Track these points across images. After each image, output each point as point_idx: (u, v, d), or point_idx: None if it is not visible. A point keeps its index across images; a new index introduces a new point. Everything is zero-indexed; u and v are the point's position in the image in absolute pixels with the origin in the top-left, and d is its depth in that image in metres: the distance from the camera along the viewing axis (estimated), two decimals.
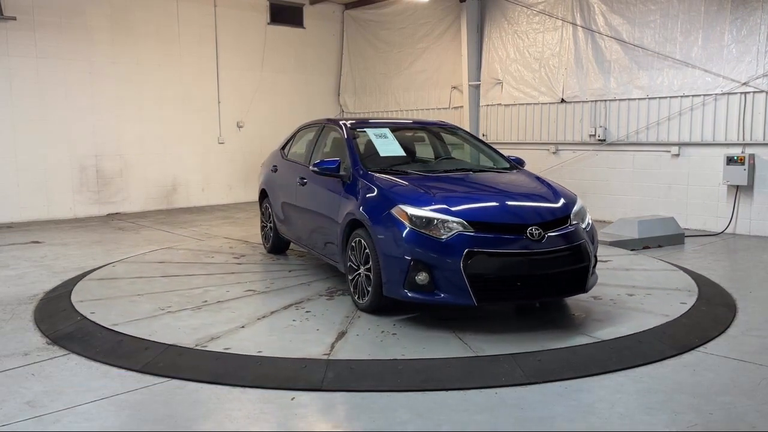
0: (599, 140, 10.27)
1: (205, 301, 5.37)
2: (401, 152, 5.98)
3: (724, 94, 8.88)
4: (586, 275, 4.84)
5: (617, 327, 4.74)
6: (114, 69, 11.30)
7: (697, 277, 6.25)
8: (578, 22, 10.33)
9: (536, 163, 10.44)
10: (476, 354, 4.21)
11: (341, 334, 4.57)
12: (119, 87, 11.38)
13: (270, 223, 7.38)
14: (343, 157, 5.76)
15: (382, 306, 4.96)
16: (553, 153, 10.92)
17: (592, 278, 4.96)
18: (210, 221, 10.44)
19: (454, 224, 4.59)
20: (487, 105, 11.90)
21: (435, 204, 4.76)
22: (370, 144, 5.97)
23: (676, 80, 9.32)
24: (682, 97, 9.30)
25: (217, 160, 12.74)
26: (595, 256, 5.02)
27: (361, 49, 14.18)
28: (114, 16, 11.26)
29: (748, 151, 8.70)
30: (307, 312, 5.10)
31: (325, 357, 4.13)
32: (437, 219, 4.62)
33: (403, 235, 4.65)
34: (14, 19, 10.15)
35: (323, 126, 6.71)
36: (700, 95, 9.12)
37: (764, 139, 8.61)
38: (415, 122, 7.85)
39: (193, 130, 12.42)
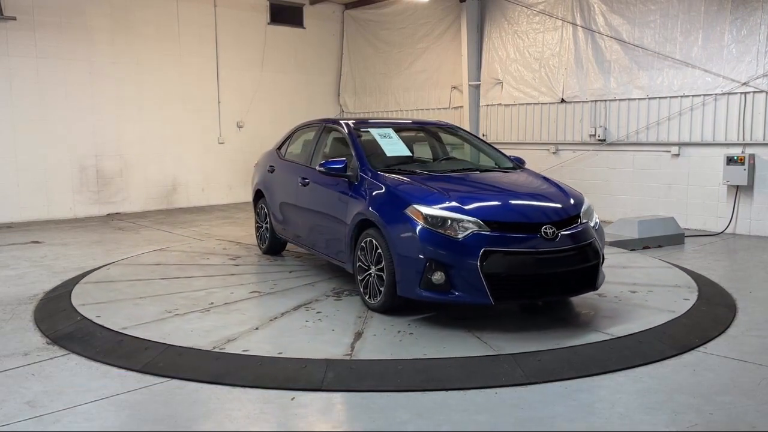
0: (599, 140, 10.27)
1: (212, 303, 5.33)
2: (407, 152, 6.01)
3: (724, 94, 8.88)
4: (597, 273, 4.94)
5: (628, 324, 4.80)
6: (114, 69, 11.30)
7: (697, 277, 6.26)
8: (578, 22, 10.33)
9: (536, 163, 10.42)
10: (497, 352, 4.23)
11: (358, 335, 4.57)
12: (119, 87, 11.38)
13: (266, 223, 7.34)
14: (348, 157, 5.76)
15: (394, 306, 4.97)
16: (553, 153, 10.92)
17: (601, 276, 5.03)
18: (210, 221, 10.44)
19: (470, 224, 4.61)
20: (487, 105, 11.90)
21: (449, 203, 4.78)
22: (374, 144, 5.97)
23: (676, 80, 9.32)
24: (682, 97, 9.30)
25: (217, 160, 12.74)
26: (603, 255, 5.08)
27: (361, 49, 14.18)
28: (114, 16, 11.26)
29: (748, 151, 8.70)
30: (318, 313, 5.09)
31: (348, 357, 4.14)
32: (453, 218, 4.64)
33: (419, 235, 4.65)
34: (14, 19, 10.16)
35: (323, 126, 6.69)
36: (700, 95, 9.12)
37: (764, 139, 8.61)
38: (415, 122, 7.85)
39: (193, 130, 12.42)
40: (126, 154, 11.61)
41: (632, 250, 7.74)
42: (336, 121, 6.55)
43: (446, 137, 6.99)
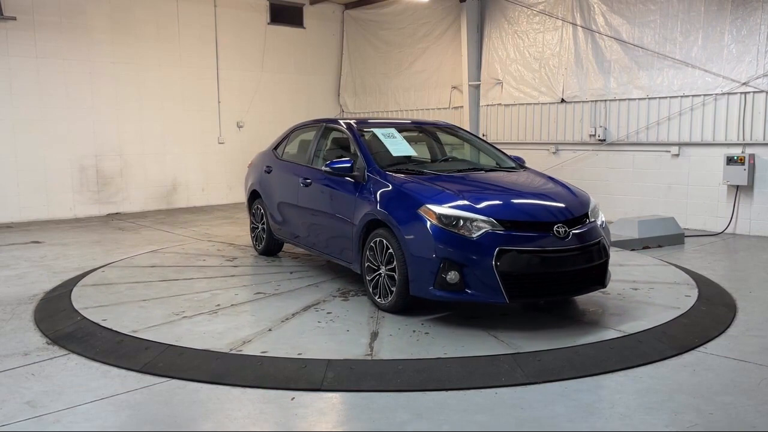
0: (599, 140, 10.27)
1: (218, 305, 5.30)
2: (412, 152, 6.05)
3: (724, 94, 8.88)
4: (606, 271, 5.03)
5: (639, 321, 4.86)
6: (114, 69, 11.31)
7: (697, 277, 6.26)
8: (578, 22, 10.33)
9: (536, 163, 10.41)
10: (517, 351, 4.25)
11: (374, 335, 4.57)
12: (119, 87, 11.38)
13: (262, 224, 7.30)
14: (353, 157, 5.76)
15: (406, 306, 4.99)
16: (553, 153, 10.92)
17: (609, 274, 5.11)
18: (210, 221, 10.44)
19: (484, 223, 4.64)
20: (487, 105, 11.91)
21: (461, 203, 4.81)
22: (378, 144, 5.98)
23: (676, 80, 9.32)
24: (682, 97, 9.30)
25: (217, 160, 12.74)
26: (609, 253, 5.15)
27: (361, 49, 14.18)
28: (114, 16, 11.26)
29: (748, 151, 8.70)
30: (328, 314, 5.08)
31: (369, 358, 4.14)
32: (467, 218, 4.66)
33: (433, 234, 4.66)
34: (14, 19, 10.16)
35: (324, 126, 6.68)
36: (700, 95, 9.12)
37: (764, 139, 8.61)
38: (415, 122, 7.84)
39: (193, 130, 12.42)
40: (126, 154, 11.61)
41: (632, 249, 7.74)
42: (337, 121, 6.55)
43: (448, 137, 6.99)
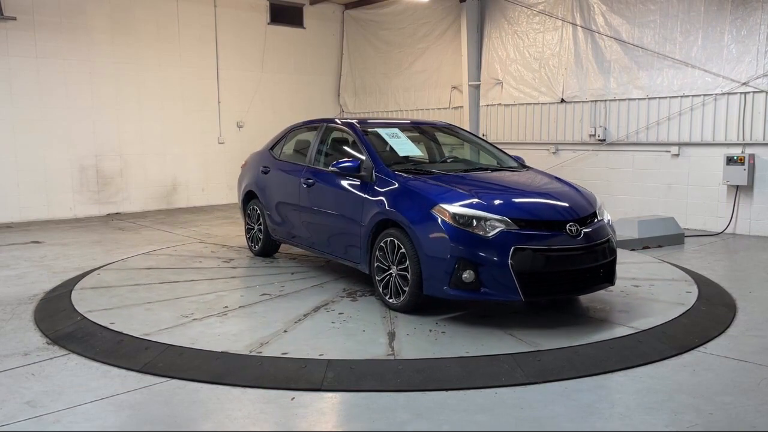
0: (599, 140, 10.27)
1: (226, 307, 5.25)
2: (418, 152, 6.09)
3: (724, 94, 8.88)
4: (614, 269, 5.12)
5: (649, 318, 4.93)
6: (114, 69, 11.31)
7: (697, 277, 6.27)
8: (578, 22, 10.33)
9: (536, 163, 10.38)
10: (536, 348, 4.29)
11: (391, 335, 4.57)
12: (119, 87, 11.39)
13: (258, 225, 7.25)
14: (359, 157, 5.75)
15: (418, 305, 5.00)
16: (553, 153, 10.92)
17: (616, 271, 5.19)
18: (210, 221, 10.44)
19: (498, 222, 4.67)
20: (487, 105, 11.91)
21: (474, 202, 4.83)
22: (382, 144, 5.99)
23: (676, 80, 9.33)
24: (682, 97, 9.30)
25: (217, 160, 12.74)
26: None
27: (361, 49, 14.18)
28: (114, 15, 11.26)
29: (748, 151, 8.70)
30: (340, 314, 5.07)
31: (391, 357, 4.14)
32: (482, 217, 4.69)
33: (448, 234, 4.68)
34: (14, 19, 10.16)
35: (325, 126, 6.65)
36: (700, 95, 9.12)
37: (764, 139, 8.61)
38: (415, 122, 7.83)
39: (193, 130, 12.42)
40: (126, 154, 11.61)
41: (632, 249, 7.74)
42: (339, 121, 6.56)
43: (449, 137, 6.99)
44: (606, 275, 5.05)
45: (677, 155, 9.43)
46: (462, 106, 12.25)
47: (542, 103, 11.02)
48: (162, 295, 5.65)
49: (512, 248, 4.56)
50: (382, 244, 5.21)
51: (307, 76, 14.07)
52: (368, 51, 14.05)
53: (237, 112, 12.99)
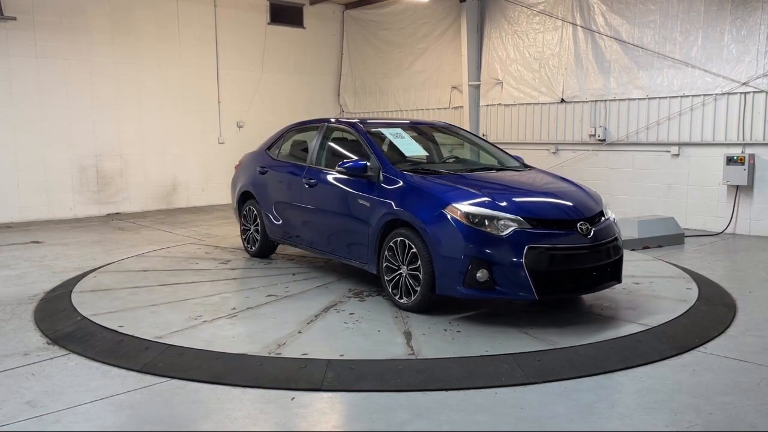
0: (599, 140, 10.27)
1: (234, 309, 5.20)
2: (423, 152, 6.11)
3: (724, 94, 8.88)
4: (621, 266, 5.19)
5: (656, 314, 5.01)
6: (114, 69, 11.31)
7: (697, 277, 6.27)
8: (578, 22, 10.33)
9: (536, 163, 10.35)
10: (553, 347, 4.32)
11: (408, 335, 4.57)
12: (119, 87, 11.39)
13: (255, 226, 7.19)
14: (365, 157, 5.75)
15: (430, 305, 5.01)
16: (553, 153, 10.92)
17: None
18: (210, 221, 10.44)
19: (511, 221, 4.70)
20: (487, 105, 11.91)
21: (486, 202, 4.86)
22: (388, 144, 5.98)
23: (676, 80, 9.33)
24: (682, 97, 9.30)
25: (217, 160, 12.74)
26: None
27: (361, 49, 14.18)
28: (114, 15, 11.26)
29: (748, 151, 8.70)
30: (351, 314, 5.06)
31: (413, 357, 4.14)
32: (495, 216, 4.72)
33: (462, 233, 4.70)
34: (14, 19, 10.16)
35: (326, 126, 6.61)
36: (700, 95, 9.12)
37: (764, 139, 8.61)
38: (414, 122, 7.82)
39: (193, 130, 12.42)
40: (126, 154, 11.61)
41: (633, 249, 7.74)
42: (342, 121, 6.55)
43: (450, 138, 6.99)
44: (613, 273, 5.10)
45: (677, 155, 9.43)
46: (462, 106, 12.25)
47: (542, 103, 11.02)
48: (165, 297, 5.59)
49: (526, 247, 4.59)
50: (391, 244, 5.21)
51: (307, 76, 14.07)
52: (368, 51, 14.05)
53: (237, 112, 12.99)
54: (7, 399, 3.63)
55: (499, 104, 11.69)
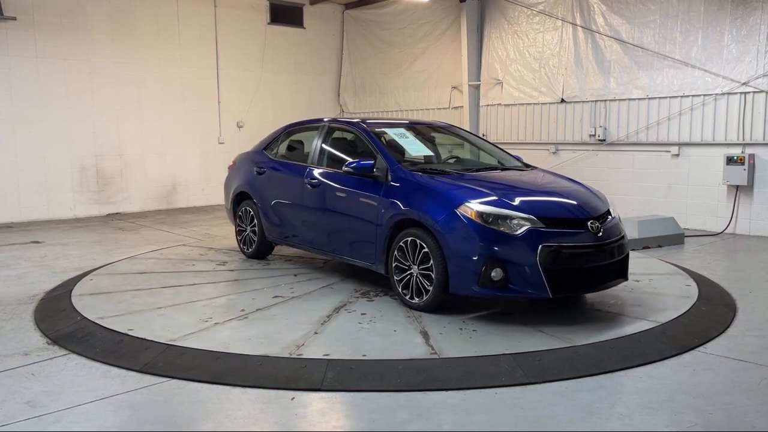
0: (599, 140, 10.27)
1: (243, 310, 5.15)
2: (428, 152, 6.13)
3: (724, 94, 8.88)
4: (628, 264, 5.26)
5: (663, 311, 5.10)
6: (114, 69, 11.31)
7: (697, 277, 6.27)
8: (578, 22, 10.33)
9: (536, 163, 10.33)
10: (569, 345, 4.35)
11: (425, 334, 4.57)
12: (119, 87, 11.39)
13: (251, 226, 7.11)
14: (371, 157, 5.73)
15: (442, 304, 5.03)
16: (553, 153, 10.92)
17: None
18: (210, 221, 10.44)
19: (525, 220, 4.74)
20: (487, 105, 11.91)
21: (498, 200, 4.89)
22: (393, 144, 5.98)
23: (676, 80, 9.33)
24: (682, 97, 9.30)
25: (217, 160, 12.72)
26: None
27: (361, 49, 14.18)
28: (114, 15, 11.26)
29: (748, 151, 8.70)
30: (363, 314, 5.05)
31: (435, 356, 4.15)
32: (509, 216, 4.75)
33: (477, 233, 4.72)
34: (14, 19, 10.16)
35: (327, 126, 6.57)
36: (700, 95, 9.12)
37: (764, 139, 8.61)
38: (413, 122, 7.82)
39: (193, 130, 12.42)
40: (126, 154, 11.61)
41: (632, 249, 7.72)
42: (344, 121, 6.55)
43: (451, 138, 6.98)
44: (620, 271, 5.17)
45: (677, 155, 9.43)
46: (462, 106, 12.25)
47: (542, 103, 11.02)
48: (169, 299, 5.50)
49: (540, 246, 4.63)
50: (401, 243, 5.21)
51: (307, 76, 14.07)
52: (368, 51, 14.05)
53: (237, 112, 12.99)
54: (7, 399, 3.63)
55: (499, 104, 11.69)
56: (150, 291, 5.82)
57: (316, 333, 4.61)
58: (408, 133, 6.22)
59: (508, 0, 11.22)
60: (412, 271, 5.14)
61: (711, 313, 5.17)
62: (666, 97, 9.47)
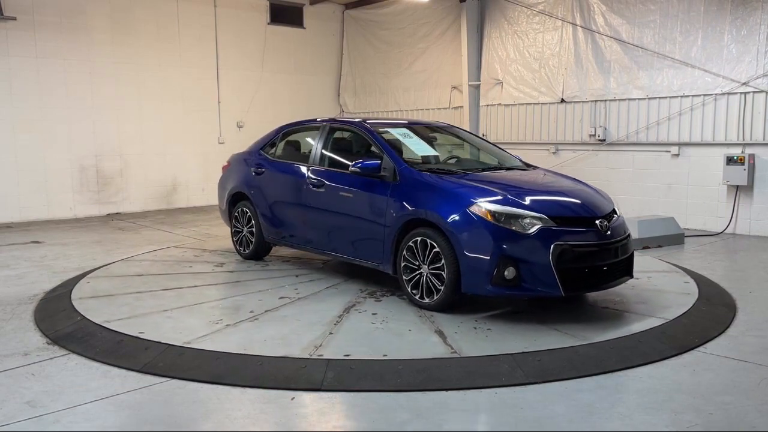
0: (599, 140, 10.27)
1: (252, 312, 5.11)
2: (433, 152, 6.15)
3: (724, 94, 8.88)
4: (633, 262, 5.32)
5: (669, 307, 5.20)
6: (114, 69, 11.31)
7: (697, 277, 6.27)
8: (578, 22, 10.33)
9: (537, 163, 10.35)
10: (583, 342, 4.40)
11: (441, 334, 4.58)
12: (119, 87, 11.39)
13: (248, 227, 7.05)
14: (377, 157, 5.72)
15: (453, 304, 5.05)
16: (553, 153, 10.92)
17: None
18: (210, 221, 10.44)
19: (537, 219, 4.77)
20: (487, 105, 11.91)
21: (509, 200, 4.92)
22: (398, 144, 5.99)
23: (676, 80, 9.33)
24: (682, 97, 9.30)
25: (217, 160, 12.66)
26: None
27: (361, 49, 14.18)
28: (114, 15, 11.26)
29: (748, 151, 8.70)
30: (374, 315, 5.05)
31: (456, 355, 4.16)
32: (521, 215, 4.79)
33: (490, 232, 4.74)
34: (14, 19, 10.16)
35: (328, 126, 6.53)
36: (699, 95, 9.12)
37: (764, 139, 8.61)
38: (412, 122, 7.81)
39: (193, 130, 12.42)
40: (126, 154, 11.61)
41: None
42: (346, 121, 6.55)
43: (452, 138, 6.97)
44: (626, 269, 5.22)
45: (677, 155, 9.43)
46: (462, 106, 12.25)
47: (542, 103, 11.02)
48: (174, 302, 5.42)
49: (553, 244, 4.66)
50: (410, 243, 5.21)
51: (307, 76, 14.07)
52: (368, 51, 14.05)
53: (237, 112, 12.99)
54: (7, 399, 3.63)
55: (499, 104, 11.69)
56: (152, 293, 5.75)
57: (331, 333, 4.60)
58: (411, 134, 6.21)
59: (508, 0, 11.22)
60: (421, 270, 5.14)
61: (711, 313, 5.17)
62: (666, 97, 9.47)
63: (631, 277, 5.32)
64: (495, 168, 6.11)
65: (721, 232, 8.94)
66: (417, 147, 6.04)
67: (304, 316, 5.02)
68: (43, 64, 10.54)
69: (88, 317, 4.98)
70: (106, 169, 11.39)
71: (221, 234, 9.03)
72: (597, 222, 4.94)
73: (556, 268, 4.65)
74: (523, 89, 11.28)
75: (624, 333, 4.60)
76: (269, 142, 7.25)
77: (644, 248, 7.92)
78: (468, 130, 9.86)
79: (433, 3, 12.22)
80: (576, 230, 4.86)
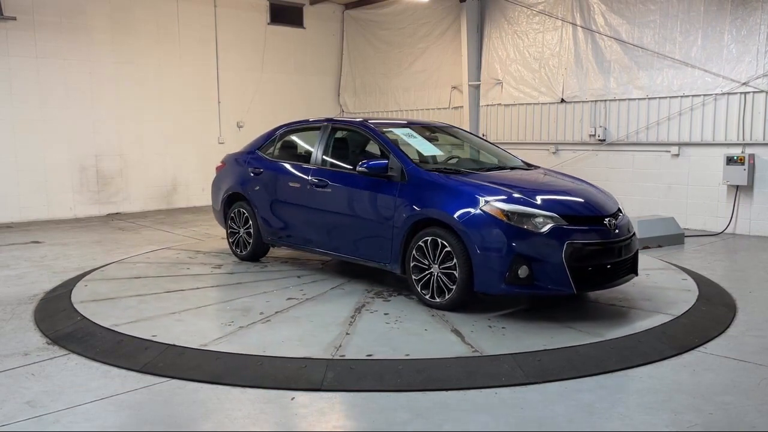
0: (599, 140, 10.27)
1: (262, 313, 5.07)
2: (438, 151, 6.17)
3: (723, 94, 8.88)
4: (638, 260, 5.40)
5: (675, 303, 5.30)
6: (114, 69, 11.31)
7: (697, 277, 6.27)
8: (578, 22, 10.33)
9: (537, 163, 10.38)
10: (601, 339, 4.46)
11: (457, 333, 4.59)
12: (119, 87, 11.39)
13: (245, 228, 7.01)
14: (383, 157, 5.73)
15: (464, 303, 5.06)
16: (553, 153, 10.92)
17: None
18: (210, 221, 10.40)
19: (548, 218, 4.81)
20: (487, 105, 11.91)
21: (521, 199, 4.96)
22: (403, 144, 5.99)
23: (676, 80, 9.33)
24: (681, 97, 9.30)
25: (217, 160, 12.59)
26: None
27: (361, 49, 14.18)
28: (114, 15, 11.26)
29: (748, 151, 8.70)
30: (386, 314, 5.04)
31: (477, 354, 4.17)
32: (534, 214, 4.83)
33: (504, 231, 4.77)
34: (14, 19, 10.16)
35: (330, 126, 6.49)
36: (699, 95, 9.12)
37: (764, 139, 8.61)
38: (410, 122, 7.79)
39: (193, 130, 12.42)
40: (126, 154, 11.61)
41: None
42: (348, 121, 6.55)
43: (452, 138, 6.97)
44: (631, 267, 5.29)
45: (677, 155, 9.43)
46: (462, 106, 12.25)
47: (542, 103, 11.02)
48: (179, 304, 5.34)
49: (565, 243, 4.70)
50: (420, 243, 5.21)
51: (307, 76, 14.07)
52: (368, 51, 14.05)
53: (237, 112, 12.99)
54: (7, 399, 3.63)
55: (499, 104, 11.69)
56: (155, 296, 5.65)
57: (348, 334, 4.58)
58: (415, 134, 6.21)
59: (508, 0, 11.22)
60: (432, 270, 5.15)
61: (711, 313, 5.17)
62: (666, 97, 9.47)
63: (636, 275, 5.37)
64: (498, 168, 6.12)
65: (721, 232, 8.94)
66: (422, 147, 6.04)
67: (316, 317, 5.00)
68: (43, 64, 10.54)
69: (93, 320, 4.90)
70: (106, 169, 11.39)
71: (222, 234, 8.99)
72: (605, 221, 5.00)
73: (569, 267, 4.69)
74: (523, 89, 11.28)
75: (637, 329, 4.67)
76: (266, 142, 7.20)
77: (644, 248, 7.92)
78: (468, 130, 9.86)
79: (433, 3, 12.22)
80: (586, 229, 4.91)
